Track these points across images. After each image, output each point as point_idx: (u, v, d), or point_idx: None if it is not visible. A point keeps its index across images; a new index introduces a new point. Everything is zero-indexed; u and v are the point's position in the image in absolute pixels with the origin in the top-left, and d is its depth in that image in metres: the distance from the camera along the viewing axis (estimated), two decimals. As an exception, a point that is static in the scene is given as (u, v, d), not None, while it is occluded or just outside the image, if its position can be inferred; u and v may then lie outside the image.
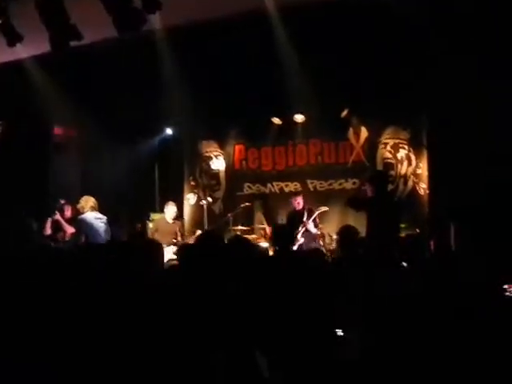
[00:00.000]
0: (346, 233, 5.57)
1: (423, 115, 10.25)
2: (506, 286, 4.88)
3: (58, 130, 11.36)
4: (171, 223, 9.65)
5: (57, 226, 9.03)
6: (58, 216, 8.93)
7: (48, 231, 8.95)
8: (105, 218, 8.53)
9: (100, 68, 9.84)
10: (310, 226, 9.84)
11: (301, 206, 10.08)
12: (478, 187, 8.46)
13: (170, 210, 9.71)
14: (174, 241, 9.19)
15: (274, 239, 5.80)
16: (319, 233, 9.93)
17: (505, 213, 7.73)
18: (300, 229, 9.83)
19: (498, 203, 7.95)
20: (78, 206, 8.52)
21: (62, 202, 9.36)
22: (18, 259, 3.88)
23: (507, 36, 7.76)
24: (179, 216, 10.36)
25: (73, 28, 6.80)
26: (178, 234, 9.51)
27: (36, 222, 8.41)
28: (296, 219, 9.93)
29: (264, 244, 9.91)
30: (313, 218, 9.88)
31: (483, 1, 7.82)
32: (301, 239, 9.82)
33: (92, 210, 8.41)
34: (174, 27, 9.14)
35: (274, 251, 5.74)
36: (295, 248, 9.43)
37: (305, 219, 9.86)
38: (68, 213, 9.34)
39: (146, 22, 6.66)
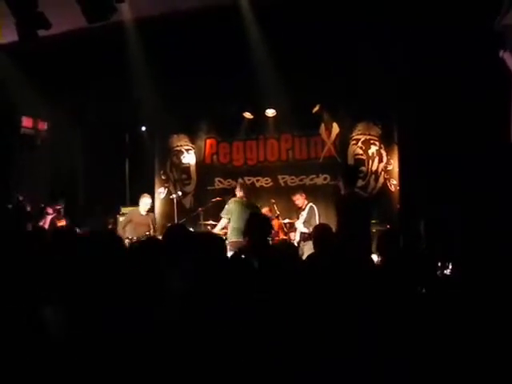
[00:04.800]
0: (320, 231, 5.57)
1: (394, 111, 10.27)
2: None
3: (27, 122, 11.12)
4: (144, 215, 9.57)
5: None
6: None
7: None
8: None
9: (70, 60, 9.67)
10: (299, 225, 9.81)
11: (299, 204, 9.96)
12: (448, 183, 8.52)
13: (145, 202, 9.65)
14: (147, 233, 9.08)
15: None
16: (307, 231, 9.46)
17: (474, 208, 7.79)
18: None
19: (467, 199, 8.00)
20: None
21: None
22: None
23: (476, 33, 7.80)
24: (151, 209, 10.27)
25: (40, 16, 6.64)
26: (151, 226, 9.42)
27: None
28: None
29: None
30: (302, 216, 9.86)
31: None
32: (297, 236, 9.83)
33: None
34: (144, 18, 9.03)
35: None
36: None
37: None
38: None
39: (115, 11, 6.55)
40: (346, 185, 7.03)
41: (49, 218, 9.15)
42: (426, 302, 3.42)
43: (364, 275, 3.81)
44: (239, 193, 9.07)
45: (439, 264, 5.08)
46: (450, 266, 6.21)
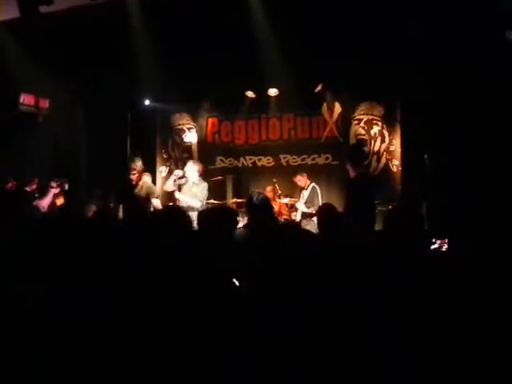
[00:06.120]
0: (325, 211, 5.55)
1: (397, 91, 10.22)
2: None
3: (29, 100, 11.01)
4: None
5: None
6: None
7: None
8: None
9: (72, 36, 9.58)
10: (300, 206, 9.86)
11: (301, 185, 10.04)
12: (450, 164, 8.51)
13: None
14: None
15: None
16: (309, 211, 9.62)
17: (476, 188, 7.79)
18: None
19: (470, 180, 8.00)
20: None
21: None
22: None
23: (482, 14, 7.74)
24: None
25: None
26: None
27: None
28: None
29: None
30: (303, 196, 9.91)
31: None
32: (298, 216, 9.88)
33: None
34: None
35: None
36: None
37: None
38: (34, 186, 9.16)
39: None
40: (354, 166, 7.02)
41: (52, 192, 9.04)
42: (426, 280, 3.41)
43: (368, 254, 3.82)
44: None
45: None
46: (438, 241, 6.27)
